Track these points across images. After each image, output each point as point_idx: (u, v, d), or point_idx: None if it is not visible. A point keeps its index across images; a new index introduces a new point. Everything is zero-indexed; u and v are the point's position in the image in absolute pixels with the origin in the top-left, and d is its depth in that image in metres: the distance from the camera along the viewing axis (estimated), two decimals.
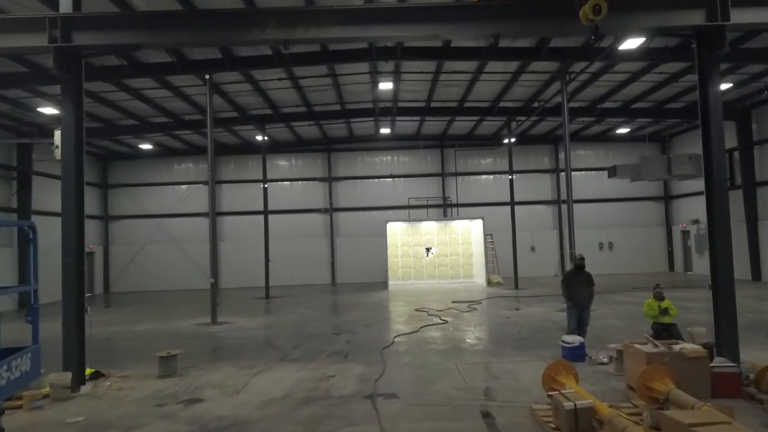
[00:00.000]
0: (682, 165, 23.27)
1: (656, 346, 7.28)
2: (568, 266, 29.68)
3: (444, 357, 10.17)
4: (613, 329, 12.40)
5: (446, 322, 14.21)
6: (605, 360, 9.08)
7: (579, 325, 9.90)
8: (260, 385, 8.65)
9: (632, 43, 13.83)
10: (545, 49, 15.60)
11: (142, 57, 15.52)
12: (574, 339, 9.36)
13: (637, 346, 7.37)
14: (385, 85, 19.03)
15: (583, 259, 10.18)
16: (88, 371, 9.11)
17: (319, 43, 14.48)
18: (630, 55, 15.66)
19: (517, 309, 16.46)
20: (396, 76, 18.36)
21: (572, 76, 17.07)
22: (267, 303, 21.11)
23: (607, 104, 22.25)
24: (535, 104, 21.79)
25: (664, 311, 9.81)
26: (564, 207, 29.24)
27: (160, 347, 11.90)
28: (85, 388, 8.49)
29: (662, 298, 10.03)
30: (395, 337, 12.26)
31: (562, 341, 9.53)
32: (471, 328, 13.33)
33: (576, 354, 9.25)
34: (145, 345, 12.61)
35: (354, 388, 8.21)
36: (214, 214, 16.22)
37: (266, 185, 23.52)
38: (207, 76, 15.96)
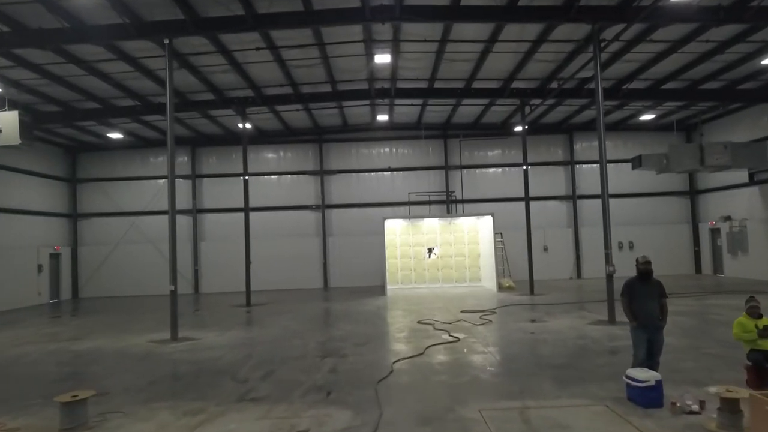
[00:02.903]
0: (717, 154, 20.63)
1: None
2: (586, 267, 27.48)
3: (461, 397, 7.46)
4: (676, 351, 9.71)
5: (457, 339, 11.49)
6: (695, 407, 6.37)
7: (650, 354, 7.17)
8: None
9: None
10: (575, 7, 12.90)
11: (86, 17, 12.79)
12: (648, 375, 6.64)
13: None
14: (382, 58, 16.30)
15: (649, 262, 7.43)
16: None
17: None
18: (676, 14, 13.01)
19: (541, 321, 13.74)
20: (394, 45, 15.64)
21: (603, 45, 14.33)
22: (247, 312, 18.38)
23: (634, 84, 19.55)
24: (553, 85, 19.12)
25: (765, 333, 7.12)
26: (580, 202, 26.81)
27: (94, 375, 9.25)
28: None
29: (759, 315, 7.35)
30: (395, 362, 9.54)
31: (630, 378, 6.81)
32: (490, 349, 10.61)
33: (651, 397, 6.55)
34: (76, 372, 9.91)
35: None
36: (174, 211, 13.42)
37: (247, 177, 20.72)
38: (166, 41, 13.22)
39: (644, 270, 7.30)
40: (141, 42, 14.12)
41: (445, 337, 11.83)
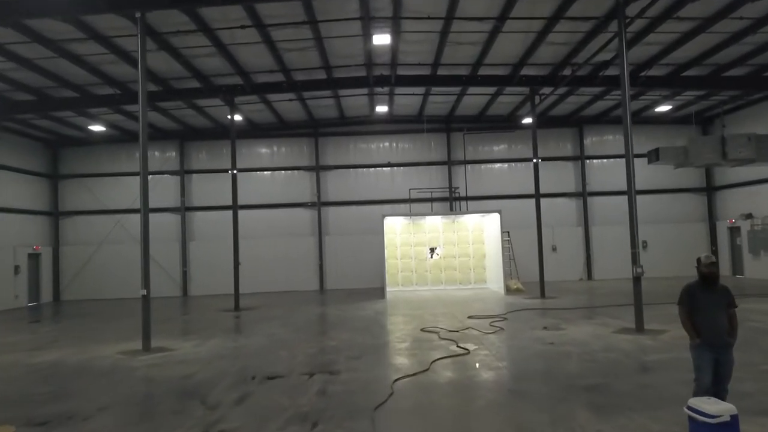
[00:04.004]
0: (740, 147, 19.14)
1: None
2: (597, 268, 26.00)
3: (479, 430, 6.01)
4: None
5: (467, 351, 10.03)
6: None
7: (717, 379, 5.71)
8: None
9: None
10: None
11: None
12: (720, 408, 5.16)
13: None
14: (381, 39, 14.84)
15: (715, 263, 5.90)
16: None
17: None
18: None
19: (558, 329, 12.27)
20: (394, 24, 14.17)
21: (627, 21, 12.87)
22: (235, 317, 16.96)
23: (652, 71, 18.11)
24: (565, 72, 17.70)
25: None
26: (590, 199, 25.44)
27: (38, 399, 7.81)
28: None
29: None
30: (395, 381, 8.09)
31: (694, 410, 5.34)
32: (505, 364, 9.15)
33: None
34: (20, 394, 8.41)
35: None
36: (147, 209, 12.01)
37: (235, 172, 19.30)
38: (138, 15, 11.77)
39: (708, 273, 5.80)
40: (113, 19, 12.74)
41: (453, 348, 10.38)
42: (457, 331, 12.20)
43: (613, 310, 14.66)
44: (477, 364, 9.16)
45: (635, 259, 11.61)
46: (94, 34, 13.66)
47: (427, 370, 8.72)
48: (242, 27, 13.69)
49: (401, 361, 9.71)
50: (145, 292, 11.48)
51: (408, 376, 8.38)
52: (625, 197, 24.81)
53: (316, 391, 7.77)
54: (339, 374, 8.73)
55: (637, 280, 11.50)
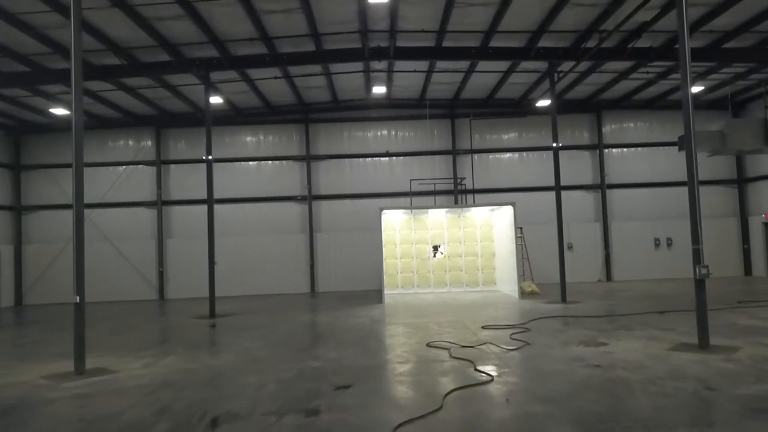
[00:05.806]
0: None
1: None
2: (617, 268, 23.35)
3: None
4: None
5: (490, 378, 7.63)
6: None
7: None
8: None
9: None
10: None
11: None
12: None
13: None
14: None
15: None
16: None
17: None
18: None
19: (599, 344, 9.85)
20: None
21: None
22: (209, 326, 14.54)
23: (691, 42, 15.71)
24: (589, 44, 15.35)
25: None
26: (609, 193, 23.15)
27: None
28: None
29: None
30: (396, 428, 5.69)
31: None
32: (545, 399, 6.72)
33: None
34: None
35: None
36: (82, 204, 9.52)
37: (210, 157, 16.84)
38: None
39: None
40: None
41: (471, 373, 7.98)
42: (472, 347, 9.82)
43: (654, 319, 12.32)
44: (506, 398, 6.76)
45: (698, 258, 9.20)
46: None
47: (439, 409, 6.31)
48: None
49: (403, 392, 7.30)
50: (78, 299, 9.06)
51: (413, 419, 5.97)
52: (649, 189, 23.01)
53: None
54: (318, 414, 6.32)
55: (700, 282, 9.11)
